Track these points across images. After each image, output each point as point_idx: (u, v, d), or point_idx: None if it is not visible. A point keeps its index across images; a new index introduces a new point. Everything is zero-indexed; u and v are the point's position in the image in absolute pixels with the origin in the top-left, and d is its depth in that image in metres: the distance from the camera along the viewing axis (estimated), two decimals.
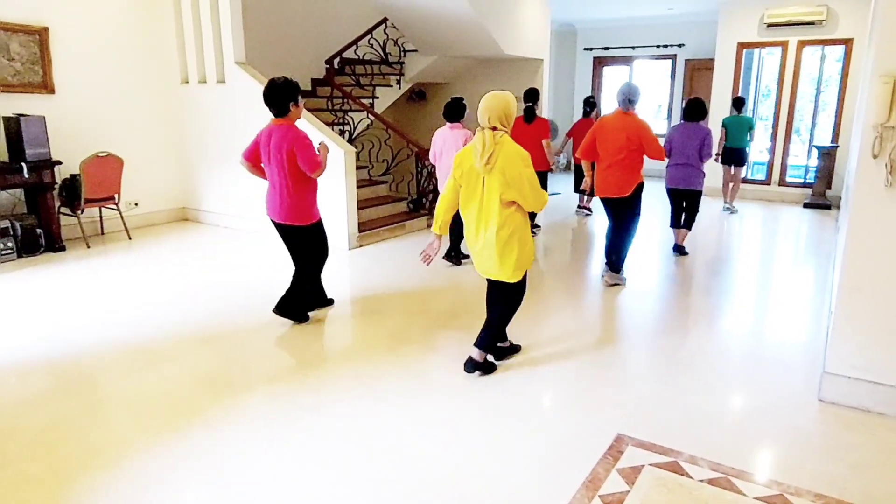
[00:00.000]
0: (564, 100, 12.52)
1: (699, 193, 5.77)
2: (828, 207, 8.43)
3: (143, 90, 6.86)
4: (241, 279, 5.14)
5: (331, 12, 8.61)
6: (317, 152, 3.81)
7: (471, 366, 3.31)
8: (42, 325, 4.08)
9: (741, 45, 9.20)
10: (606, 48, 12.04)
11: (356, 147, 6.76)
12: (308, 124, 5.82)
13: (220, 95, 6.69)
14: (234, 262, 5.70)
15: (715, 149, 6.69)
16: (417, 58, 8.18)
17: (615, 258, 4.94)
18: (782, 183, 9.27)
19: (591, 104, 7.81)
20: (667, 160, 5.56)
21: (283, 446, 2.67)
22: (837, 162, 8.51)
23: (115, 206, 6.26)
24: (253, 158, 3.89)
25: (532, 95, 6.52)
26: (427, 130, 5.66)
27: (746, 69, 9.51)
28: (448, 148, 5.09)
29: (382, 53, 8.08)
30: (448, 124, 5.19)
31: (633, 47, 11.77)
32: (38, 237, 5.71)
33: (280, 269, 4.95)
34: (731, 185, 8.28)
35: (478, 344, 3.32)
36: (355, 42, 7.95)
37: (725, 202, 8.41)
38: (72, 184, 5.93)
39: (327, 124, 6.63)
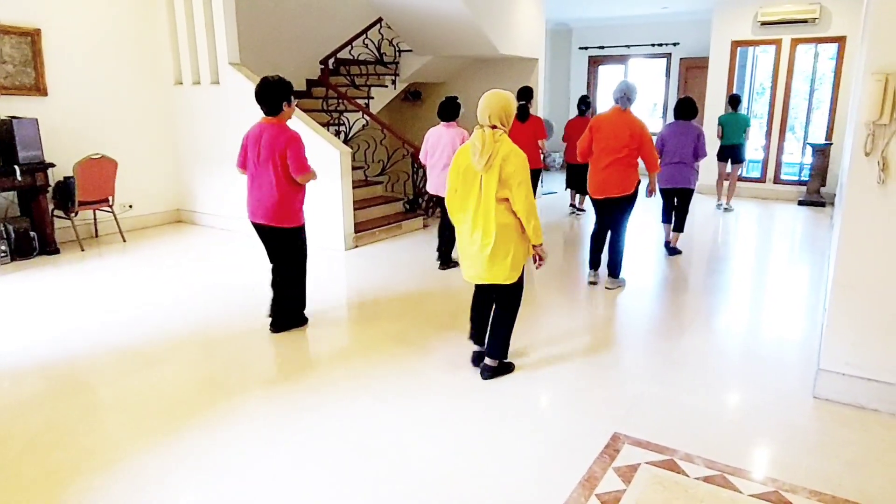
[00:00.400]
0: (560, 99, 12.55)
1: (691, 192, 5.78)
2: (822, 205, 8.46)
3: (137, 91, 6.84)
4: (236, 280, 5.13)
5: (325, 12, 8.60)
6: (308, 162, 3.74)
7: (487, 373, 3.28)
8: (36, 329, 4.07)
9: (735, 44, 9.24)
10: (601, 47, 12.08)
11: (352, 147, 6.75)
12: (303, 125, 5.81)
13: (214, 96, 6.67)
14: (229, 264, 5.69)
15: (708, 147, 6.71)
16: (412, 58, 8.17)
17: (614, 263, 4.85)
18: (777, 181, 9.31)
19: (586, 103, 7.82)
20: (659, 160, 5.55)
21: (283, 447, 2.67)
22: (832, 159, 8.56)
23: (108, 209, 6.24)
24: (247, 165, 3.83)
25: (526, 94, 6.53)
26: (422, 130, 5.65)
27: (741, 67, 9.54)
28: (443, 146, 5.09)
29: (377, 53, 8.07)
30: (443, 123, 5.19)
31: (627, 46, 11.80)
32: (31, 240, 5.68)
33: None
34: (726, 183, 8.29)
35: (490, 354, 3.29)
36: (350, 42, 7.95)
37: (719, 200, 8.42)
38: (65, 186, 5.89)
39: (322, 125, 6.62)
